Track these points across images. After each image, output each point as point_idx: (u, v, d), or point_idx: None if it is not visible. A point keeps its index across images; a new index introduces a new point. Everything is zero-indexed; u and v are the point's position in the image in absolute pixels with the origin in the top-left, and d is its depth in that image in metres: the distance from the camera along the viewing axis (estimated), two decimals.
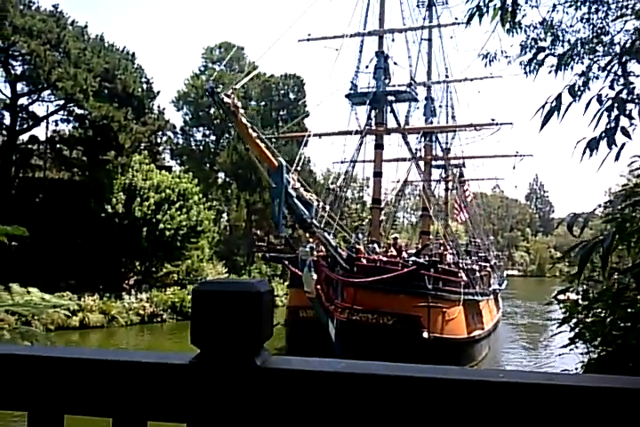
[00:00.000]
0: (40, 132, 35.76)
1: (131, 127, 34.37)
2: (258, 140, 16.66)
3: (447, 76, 36.63)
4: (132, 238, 32.78)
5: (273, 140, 40.69)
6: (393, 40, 26.74)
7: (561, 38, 6.70)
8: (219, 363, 1.03)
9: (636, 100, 3.50)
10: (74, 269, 30.51)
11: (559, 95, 3.30)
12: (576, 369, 5.14)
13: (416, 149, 30.76)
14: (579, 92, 3.92)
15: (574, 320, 4.88)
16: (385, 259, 20.94)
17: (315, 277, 17.75)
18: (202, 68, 56.74)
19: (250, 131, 16.45)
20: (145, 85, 39.24)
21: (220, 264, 42.42)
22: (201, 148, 55.81)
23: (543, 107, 3.31)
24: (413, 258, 21.18)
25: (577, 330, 4.84)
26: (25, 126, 34.55)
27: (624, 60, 4.15)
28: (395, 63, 26.64)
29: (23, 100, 34.18)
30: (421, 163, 32.01)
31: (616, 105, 3.07)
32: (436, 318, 20.24)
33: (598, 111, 3.06)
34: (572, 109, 3.43)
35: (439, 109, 36.36)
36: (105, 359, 1.10)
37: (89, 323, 27.70)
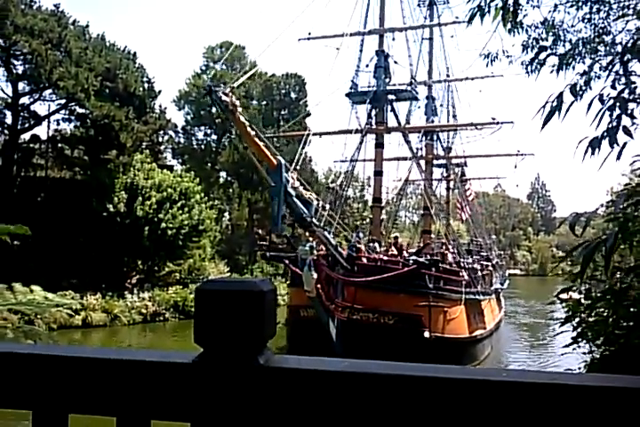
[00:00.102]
0: (42, 131, 35.91)
1: (132, 126, 34.39)
2: (256, 139, 16.60)
3: (448, 76, 36.58)
4: (134, 237, 32.80)
5: (275, 139, 40.73)
6: (393, 39, 26.71)
7: (562, 38, 6.70)
8: (222, 362, 1.03)
9: (638, 100, 3.50)
10: (76, 268, 30.55)
11: (560, 94, 3.30)
12: (579, 369, 5.14)
13: (417, 148, 30.71)
14: (580, 92, 3.92)
15: (577, 319, 4.88)
16: (386, 258, 20.89)
17: (315, 276, 17.71)
18: (203, 68, 56.79)
19: (248, 129, 16.41)
20: (146, 85, 39.24)
21: (222, 263, 42.44)
22: (202, 147, 55.85)
23: (544, 106, 3.31)
24: (414, 257, 21.12)
25: (579, 329, 4.85)
26: (26, 125, 34.58)
27: (626, 59, 4.15)
28: (395, 62, 26.61)
29: (25, 100, 34.21)
30: (422, 162, 31.98)
31: (618, 104, 3.07)
32: (437, 318, 20.17)
33: (600, 110, 3.06)
34: (574, 109, 3.43)
35: (440, 108, 36.34)
36: (108, 358, 1.11)
37: (91, 322, 27.74)
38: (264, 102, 56.42)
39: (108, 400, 1.09)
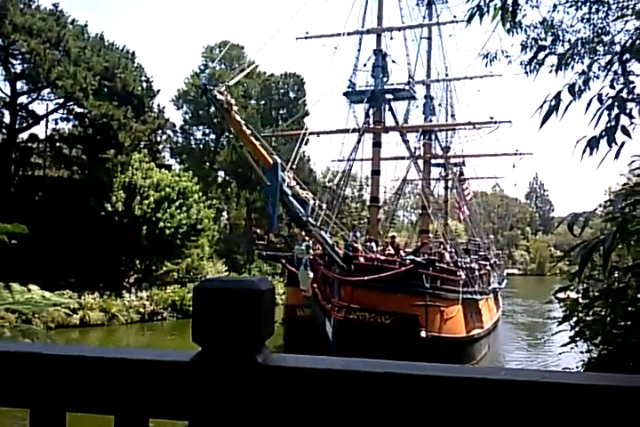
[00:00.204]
0: (40, 130, 35.85)
1: (130, 126, 34.37)
2: (252, 138, 16.52)
3: (447, 75, 36.59)
4: (132, 237, 32.79)
5: (273, 138, 40.65)
6: (391, 38, 26.70)
7: (561, 38, 6.71)
8: (220, 360, 1.03)
9: (637, 100, 3.50)
10: (74, 267, 30.53)
11: (558, 94, 3.30)
12: (577, 368, 5.15)
13: (415, 148, 30.75)
14: (579, 92, 3.93)
15: (574, 319, 4.89)
16: (383, 258, 20.87)
17: (311, 275, 17.68)
18: (202, 67, 56.75)
19: (244, 128, 16.34)
20: (145, 84, 39.23)
21: (220, 262, 42.45)
22: (201, 146, 55.83)
23: (542, 105, 3.31)
24: (411, 256, 21.08)
25: (577, 329, 4.85)
26: (25, 125, 34.55)
27: (624, 59, 4.15)
28: (393, 61, 26.61)
29: (23, 99, 34.20)
30: (420, 161, 32.01)
31: (616, 104, 3.08)
32: (434, 317, 20.13)
33: (599, 110, 3.06)
34: (573, 109, 3.44)
35: (438, 108, 36.37)
36: (106, 357, 1.10)
37: (89, 321, 27.73)
38: (262, 102, 56.43)
39: (106, 399, 1.09)
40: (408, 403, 0.98)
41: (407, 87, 27.09)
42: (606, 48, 5.82)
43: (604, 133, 3.02)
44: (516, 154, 31.39)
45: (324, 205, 20.27)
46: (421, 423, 0.98)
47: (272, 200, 16.65)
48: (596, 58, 5.53)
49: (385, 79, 25.92)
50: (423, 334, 19.12)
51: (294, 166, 19.10)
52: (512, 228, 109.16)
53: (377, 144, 25.72)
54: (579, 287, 5.00)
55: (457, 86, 40.08)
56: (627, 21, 5.97)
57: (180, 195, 35.80)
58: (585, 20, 6.59)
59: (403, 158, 29.67)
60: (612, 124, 3.05)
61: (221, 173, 55.26)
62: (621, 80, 3.94)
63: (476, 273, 28.48)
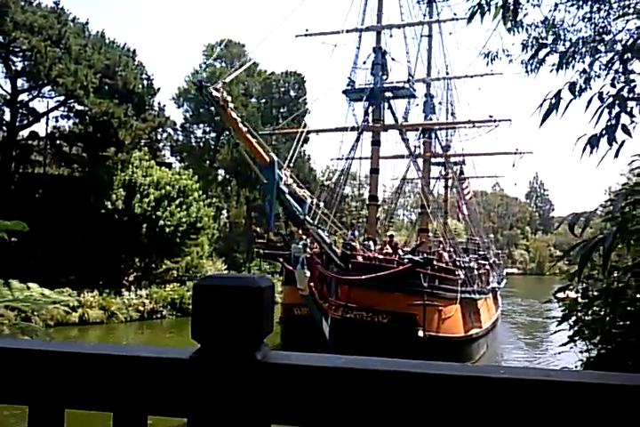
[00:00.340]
0: (40, 128, 35.78)
1: (131, 124, 34.36)
2: (248, 135, 16.38)
3: (447, 73, 36.52)
4: (132, 235, 32.79)
5: (273, 137, 40.52)
6: (391, 36, 26.63)
7: (562, 37, 6.70)
8: (219, 358, 1.03)
9: (638, 98, 3.50)
10: (73, 265, 30.53)
11: (559, 92, 3.30)
12: (576, 367, 5.15)
13: (415, 147, 30.68)
14: (579, 91, 3.92)
15: (573, 318, 4.89)
16: (381, 257, 20.82)
17: (308, 274, 17.63)
18: (202, 65, 56.71)
19: (240, 125, 16.18)
20: (145, 82, 39.20)
21: (220, 261, 42.45)
22: (201, 144, 55.81)
23: (542, 103, 3.31)
24: (409, 256, 21.02)
25: (576, 328, 4.85)
26: (25, 122, 34.52)
27: (625, 57, 4.15)
28: (393, 59, 26.50)
29: (23, 96, 34.18)
30: (420, 160, 31.98)
31: (617, 102, 3.07)
32: (431, 317, 20.01)
33: (599, 108, 3.06)
34: (573, 109, 3.43)
35: (439, 106, 36.31)
36: (105, 354, 1.10)
37: (88, 319, 27.73)
38: (263, 100, 56.42)
39: (105, 396, 1.09)
40: (408, 401, 0.98)
41: (407, 85, 27.02)
42: (607, 47, 5.81)
43: (604, 132, 3.01)
44: (516, 153, 31.36)
45: (322, 204, 20.19)
46: (422, 421, 0.98)
47: (269, 198, 16.55)
48: (597, 56, 5.52)
49: (384, 77, 25.84)
50: (421, 333, 19.05)
51: (292, 164, 18.99)
52: (512, 227, 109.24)
53: (376, 142, 25.67)
54: (578, 287, 5.00)
55: (457, 85, 40.10)
56: (628, 20, 5.97)
57: (180, 193, 35.81)
58: (586, 19, 6.59)
59: (402, 157, 29.63)
60: (613, 122, 3.05)
61: (221, 172, 55.25)
62: (622, 79, 3.93)
63: (475, 272, 28.45)
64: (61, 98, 33.58)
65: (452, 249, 28.76)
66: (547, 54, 6.10)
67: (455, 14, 27.90)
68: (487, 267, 34.65)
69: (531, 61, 6.56)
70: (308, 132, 26.16)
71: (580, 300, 4.89)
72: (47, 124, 35.46)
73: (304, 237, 17.93)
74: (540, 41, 6.72)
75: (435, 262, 21.60)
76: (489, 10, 5.05)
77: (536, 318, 35.27)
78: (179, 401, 1.05)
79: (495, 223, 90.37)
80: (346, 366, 1.01)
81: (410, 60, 28.30)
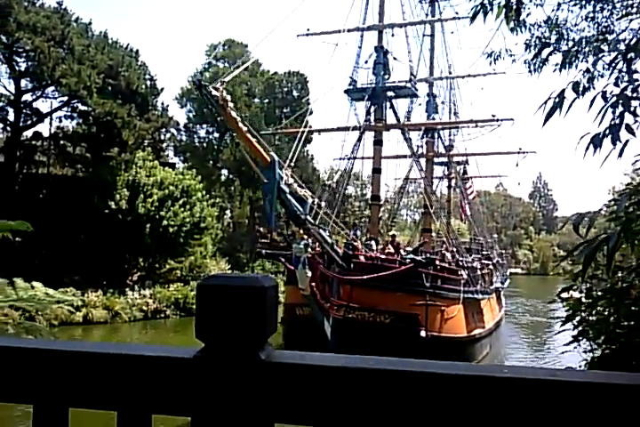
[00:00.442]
0: (44, 128, 35.94)
1: (134, 124, 34.40)
2: (248, 135, 16.28)
3: (450, 73, 36.45)
4: (136, 235, 32.85)
5: (276, 137, 40.49)
6: (393, 35, 26.59)
7: (566, 37, 6.69)
8: (223, 357, 1.03)
9: None
10: (77, 264, 30.59)
11: (562, 91, 3.29)
12: (580, 367, 5.14)
13: (418, 146, 30.60)
14: (583, 90, 3.91)
15: (577, 318, 4.88)
16: (383, 256, 20.76)
17: (309, 274, 17.57)
18: (205, 66, 56.75)
19: (240, 125, 16.07)
20: (149, 82, 39.23)
21: (223, 261, 42.49)
22: (204, 145, 55.84)
23: (546, 102, 3.30)
24: (411, 255, 20.94)
25: (580, 328, 4.84)
26: (29, 123, 34.59)
27: (629, 57, 4.14)
28: (394, 58, 26.45)
29: (27, 97, 34.24)
30: (423, 160, 31.92)
31: (621, 102, 3.06)
32: (434, 317, 19.93)
33: (603, 108, 3.05)
34: (577, 109, 3.42)
35: (441, 106, 36.25)
36: (110, 353, 1.11)
37: (92, 319, 27.79)
38: (266, 100, 56.44)
39: (109, 395, 1.09)
40: (411, 400, 0.98)
41: (409, 85, 26.97)
42: (611, 46, 5.80)
43: (607, 131, 3.01)
44: (519, 152, 31.25)
45: (324, 204, 20.11)
46: (425, 420, 0.98)
47: (269, 198, 16.47)
48: (600, 56, 5.51)
49: (386, 77, 25.78)
50: (423, 333, 18.97)
51: (294, 164, 18.90)
52: (515, 227, 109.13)
53: (378, 142, 25.63)
54: (582, 287, 4.99)
55: (460, 84, 39.98)
56: (631, 20, 5.96)
57: (183, 193, 35.85)
58: (589, 19, 6.58)
59: (404, 157, 29.57)
60: (617, 122, 3.04)
61: (225, 172, 55.29)
62: (626, 78, 3.92)
63: (478, 272, 28.37)
64: (65, 98, 33.63)
65: (454, 249, 28.71)
66: (550, 54, 6.09)
67: (457, 13, 27.87)
68: (490, 267, 34.56)
69: (534, 61, 6.56)
70: (310, 132, 26.12)
71: (584, 300, 4.89)
72: (51, 124, 35.57)
73: (305, 236, 17.87)
74: (543, 40, 6.72)
75: (437, 262, 21.51)
76: (491, 9, 5.04)
77: (540, 318, 35.20)
78: (183, 400, 1.05)
79: (499, 223, 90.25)
80: (349, 366, 1.01)
81: (412, 60, 28.30)
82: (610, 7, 6.52)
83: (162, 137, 47.27)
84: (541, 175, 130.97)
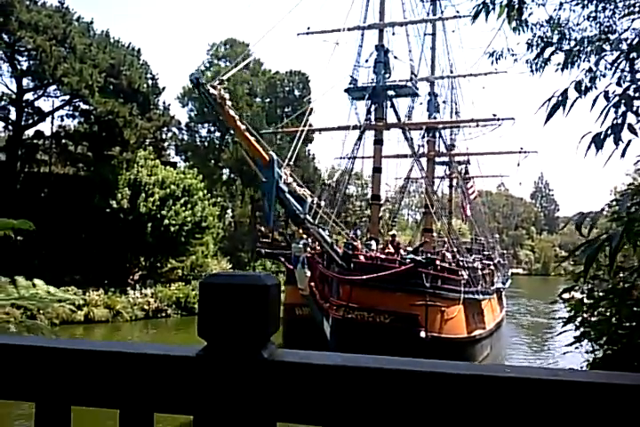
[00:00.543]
0: (45, 127, 35.97)
1: (136, 123, 34.41)
2: (247, 133, 16.22)
3: (451, 72, 36.40)
4: (137, 234, 32.87)
5: (277, 136, 40.46)
6: (394, 34, 26.54)
7: (568, 36, 6.68)
8: (225, 355, 1.03)
9: None
10: (79, 263, 30.62)
11: (565, 91, 3.28)
12: (582, 368, 5.13)
13: (419, 146, 30.56)
14: (585, 90, 3.91)
15: (579, 319, 4.88)
16: (383, 256, 20.69)
17: (308, 274, 17.50)
18: (207, 65, 56.77)
19: (238, 123, 15.99)
20: (150, 81, 39.25)
21: (225, 260, 42.52)
22: (206, 144, 55.87)
23: (548, 101, 3.29)
24: (411, 255, 20.88)
25: (582, 329, 4.84)
26: (30, 121, 34.61)
27: (631, 57, 4.13)
28: (395, 57, 26.40)
29: (29, 96, 34.25)
30: (424, 159, 31.89)
31: (623, 101, 3.06)
32: (434, 317, 19.85)
33: (605, 108, 3.04)
34: (579, 109, 3.42)
35: (443, 105, 36.19)
36: (112, 351, 1.11)
37: (94, 317, 27.81)
38: (268, 100, 56.46)
39: (112, 393, 1.09)
40: (413, 399, 0.98)
41: (409, 84, 26.91)
42: (613, 46, 5.79)
43: (609, 131, 3.00)
44: (520, 152, 31.21)
45: (323, 203, 20.03)
46: (426, 420, 0.98)
47: (268, 197, 16.42)
48: (602, 55, 5.50)
49: (387, 75, 25.73)
50: (423, 334, 18.90)
51: (295, 164, 18.88)
52: (517, 227, 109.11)
53: (378, 141, 25.57)
54: (584, 287, 4.99)
55: (462, 83, 39.94)
56: (633, 19, 5.95)
57: (184, 192, 35.86)
58: (591, 19, 6.57)
59: (405, 156, 29.52)
60: (619, 121, 3.04)
61: (226, 171, 55.32)
62: (628, 78, 3.92)
63: (479, 273, 28.28)
64: (66, 97, 33.65)
65: (455, 249, 28.66)
66: (552, 53, 6.09)
67: (458, 12, 27.81)
68: (492, 267, 34.49)
69: (536, 60, 6.55)
70: (311, 131, 26.08)
71: (585, 300, 4.88)
72: (52, 123, 35.59)
73: (305, 236, 17.80)
74: (546, 40, 6.71)
75: (437, 262, 21.44)
76: (493, 8, 5.04)
77: (541, 318, 35.17)
78: (185, 399, 1.05)
79: (500, 223, 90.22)
80: (352, 365, 1.01)
81: (412, 59, 28.27)
82: (612, 7, 6.52)
83: (163, 136, 47.31)
84: (543, 175, 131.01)
